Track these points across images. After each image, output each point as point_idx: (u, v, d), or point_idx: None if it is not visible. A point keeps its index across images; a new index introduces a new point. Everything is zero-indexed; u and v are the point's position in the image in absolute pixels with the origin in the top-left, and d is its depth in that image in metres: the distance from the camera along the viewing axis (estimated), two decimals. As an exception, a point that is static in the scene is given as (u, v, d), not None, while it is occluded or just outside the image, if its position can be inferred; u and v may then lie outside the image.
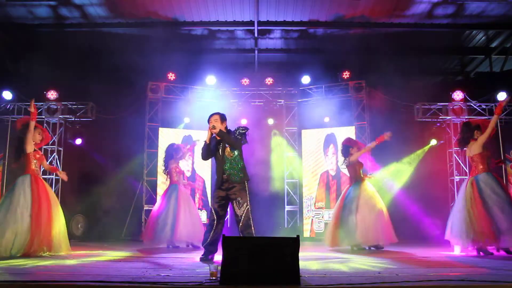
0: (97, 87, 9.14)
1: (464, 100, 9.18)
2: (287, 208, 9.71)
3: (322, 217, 9.36)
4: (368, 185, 6.73)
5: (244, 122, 9.44)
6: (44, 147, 5.81)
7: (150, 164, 9.37)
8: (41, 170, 5.83)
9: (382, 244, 6.38)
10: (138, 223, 9.11)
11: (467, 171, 9.11)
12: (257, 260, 3.09)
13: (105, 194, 9.29)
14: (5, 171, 9.04)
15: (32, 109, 5.55)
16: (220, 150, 4.91)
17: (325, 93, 9.71)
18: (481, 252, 5.42)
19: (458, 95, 9.17)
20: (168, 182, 7.17)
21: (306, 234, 9.37)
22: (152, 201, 9.20)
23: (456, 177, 9.21)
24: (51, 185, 8.37)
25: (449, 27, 9.32)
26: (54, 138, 8.96)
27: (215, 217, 4.84)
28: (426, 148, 9.44)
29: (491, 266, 4.28)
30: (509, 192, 5.49)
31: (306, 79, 9.75)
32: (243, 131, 4.94)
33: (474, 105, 9.22)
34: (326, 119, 9.71)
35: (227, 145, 4.89)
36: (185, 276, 3.46)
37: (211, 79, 9.62)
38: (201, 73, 9.59)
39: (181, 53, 9.45)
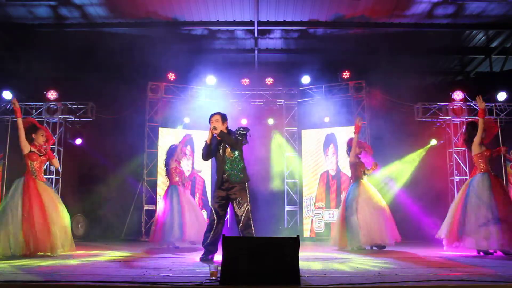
0: (97, 87, 9.16)
1: (464, 100, 9.19)
2: (287, 208, 9.71)
3: (322, 217, 9.36)
4: (368, 185, 6.74)
5: (244, 122, 9.45)
6: (44, 147, 5.77)
7: (150, 164, 9.37)
8: (43, 169, 5.78)
9: (386, 243, 6.35)
10: (138, 223, 9.11)
11: (467, 171, 9.12)
12: (257, 260, 3.09)
13: (105, 194, 9.30)
14: (5, 171, 9.03)
15: (17, 105, 5.61)
16: (220, 151, 4.92)
17: (325, 93, 9.71)
18: (481, 252, 5.44)
19: (458, 95, 9.18)
20: (168, 183, 7.18)
21: (306, 234, 9.37)
22: (152, 201, 9.21)
23: (456, 177, 9.21)
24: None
25: (449, 27, 9.31)
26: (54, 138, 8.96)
27: (215, 217, 4.85)
28: (427, 147, 9.44)
29: (491, 266, 4.28)
30: (503, 195, 5.46)
31: (306, 79, 9.75)
32: (243, 132, 4.93)
33: (474, 105, 9.21)
34: (326, 119, 9.71)
35: (227, 146, 4.89)
36: (185, 276, 3.47)
37: (211, 79, 9.62)
38: (201, 73, 9.59)
39: (181, 53, 9.45)
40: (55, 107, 9.21)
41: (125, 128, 9.34)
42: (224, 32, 9.91)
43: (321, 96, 9.72)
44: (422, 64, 10.55)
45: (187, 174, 7.70)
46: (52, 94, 9.22)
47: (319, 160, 9.70)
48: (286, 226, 9.53)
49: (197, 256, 5.06)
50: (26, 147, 5.54)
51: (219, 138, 4.91)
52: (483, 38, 9.99)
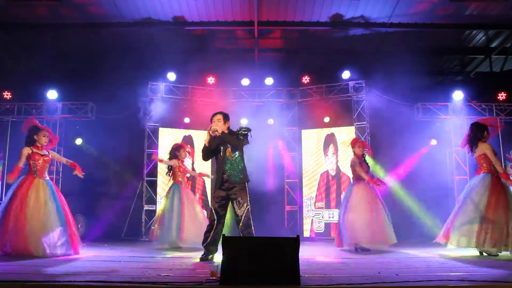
0: (97, 87, 9.15)
1: (464, 100, 9.19)
2: (287, 208, 9.71)
3: (322, 217, 9.36)
4: (365, 185, 6.47)
5: (244, 122, 9.45)
6: (45, 152, 5.75)
7: (150, 164, 9.37)
8: (46, 169, 5.77)
9: (370, 246, 6.18)
10: (138, 223, 9.11)
11: (467, 171, 9.12)
12: (257, 260, 3.09)
13: (105, 194, 9.28)
14: (5, 171, 9.03)
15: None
16: (221, 151, 4.90)
17: (325, 93, 9.71)
18: (482, 252, 5.44)
19: (458, 95, 9.18)
20: (170, 183, 7.19)
21: (306, 234, 9.37)
22: (152, 201, 9.22)
23: (456, 177, 9.21)
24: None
25: (449, 27, 9.31)
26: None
27: (215, 217, 4.85)
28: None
29: (491, 266, 4.28)
30: (497, 196, 5.41)
31: (306, 79, 9.76)
32: (245, 132, 4.90)
33: (474, 105, 9.22)
34: (326, 119, 9.71)
35: (228, 146, 4.87)
36: (185, 276, 3.47)
37: (211, 79, 9.62)
38: (201, 73, 9.59)
39: (181, 53, 9.46)
40: (55, 107, 9.21)
41: (125, 128, 9.34)
42: (224, 32, 9.91)
43: (321, 96, 9.72)
44: (422, 64, 10.54)
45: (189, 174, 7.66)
46: (52, 94, 9.22)
47: (319, 160, 9.70)
48: (286, 226, 9.53)
49: (197, 256, 5.06)
50: (25, 148, 5.56)
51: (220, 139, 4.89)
52: (483, 38, 9.99)
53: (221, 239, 3.34)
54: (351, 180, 7.01)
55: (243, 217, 4.73)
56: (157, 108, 9.52)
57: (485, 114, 9.09)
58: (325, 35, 9.93)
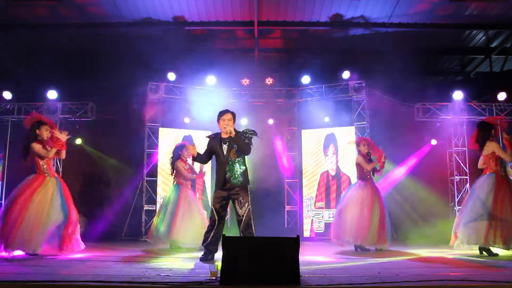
0: (97, 87, 9.15)
1: (464, 100, 9.19)
2: (287, 208, 9.71)
3: (322, 217, 9.36)
4: (365, 185, 6.41)
5: (244, 122, 9.45)
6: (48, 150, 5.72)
7: (150, 164, 9.37)
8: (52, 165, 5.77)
9: (367, 245, 6.16)
10: (138, 223, 9.11)
11: (467, 171, 9.12)
12: (257, 260, 3.09)
13: (105, 193, 9.28)
14: (5, 171, 9.03)
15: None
16: (224, 151, 4.83)
17: (325, 93, 9.70)
18: (483, 252, 5.44)
19: (458, 95, 9.18)
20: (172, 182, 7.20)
21: (306, 234, 9.37)
22: (152, 201, 9.22)
23: (456, 177, 9.21)
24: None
25: (449, 27, 9.31)
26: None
27: (216, 217, 4.83)
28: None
29: (491, 266, 4.28)
30: (503, 194, 5.41)
31: (306, 79, 9.75)
32: (251, 136, 4.82)
33: (474, 105, 9.22)
34: (326, 119, 9.71)
35: (234, 147, 4.79)
36: (185, 276, 3.47)
37: (211, 79, 9.61)
38: (201, 73, 9.58)
39: (181, 53, 9.45)
40: (55, 107, 9.20)
41: (125, 128, 9.33)
42: (224, 32, 9.91)
43: (321, 96, 9.72)
44: (422, 64, 10.56)
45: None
46: (52, 94, 9.22)
47: (319, 160, 9.70)
48: (286, 226, 9.53)
49: (197, 256, 5.06)
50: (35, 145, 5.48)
51: (227, 137, 4.82)
52: (483, 38, 9.99)
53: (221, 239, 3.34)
54: (351, 180, 7.01)
55: (244, 217, 4.71)
56: (157, 108, 9.51)
57: (485, 114, 9.09)
58: (325, 35, 9.93)
